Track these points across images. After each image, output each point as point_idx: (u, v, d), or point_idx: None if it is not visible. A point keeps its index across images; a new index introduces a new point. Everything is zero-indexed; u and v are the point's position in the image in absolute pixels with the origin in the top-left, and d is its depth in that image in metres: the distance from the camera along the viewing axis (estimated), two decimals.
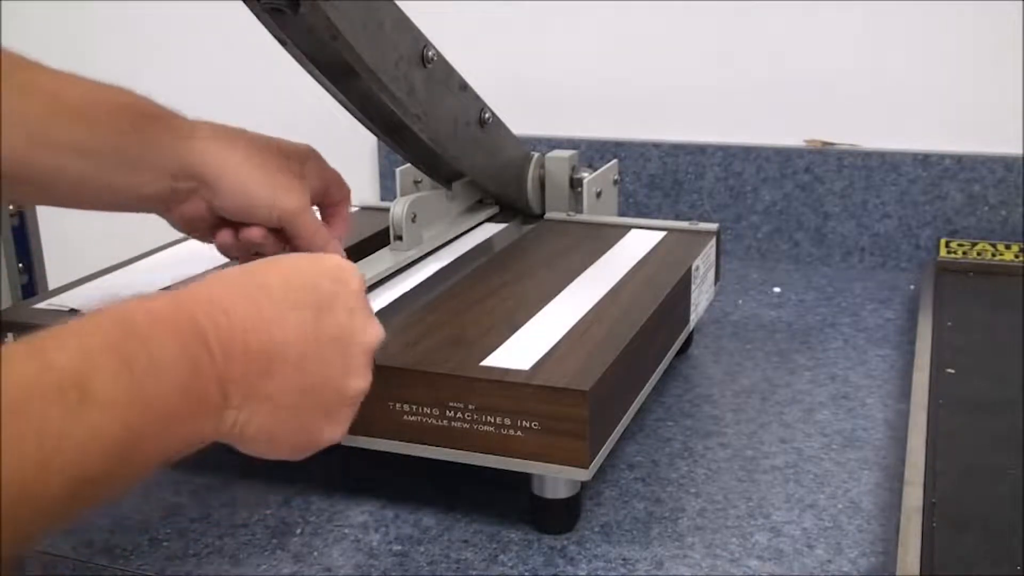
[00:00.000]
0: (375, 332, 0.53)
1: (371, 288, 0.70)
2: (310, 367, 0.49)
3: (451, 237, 0.80)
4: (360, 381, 0.52)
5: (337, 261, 0.54)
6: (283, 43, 0.64)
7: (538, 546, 0.59)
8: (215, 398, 0.45)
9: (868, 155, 1.03)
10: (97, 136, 0.62)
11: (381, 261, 0.73)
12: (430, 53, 0.70)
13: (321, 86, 0.68)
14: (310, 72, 0.66)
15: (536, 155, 0.87)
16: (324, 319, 0.50)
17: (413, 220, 0.76)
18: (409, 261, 0.74)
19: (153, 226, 0.97)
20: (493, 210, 0.86)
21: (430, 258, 0.77)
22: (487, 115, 0.78)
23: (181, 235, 0.83)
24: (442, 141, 0.73)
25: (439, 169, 0.79)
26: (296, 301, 0.49)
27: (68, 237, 1.25)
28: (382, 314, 0.67)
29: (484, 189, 0.84)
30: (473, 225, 0.83)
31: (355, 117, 0.72)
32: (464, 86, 0.75)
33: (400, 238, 0.75)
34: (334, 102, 0.72)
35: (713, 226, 0.81)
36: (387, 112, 0.70)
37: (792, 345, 0.85)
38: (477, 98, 0.77)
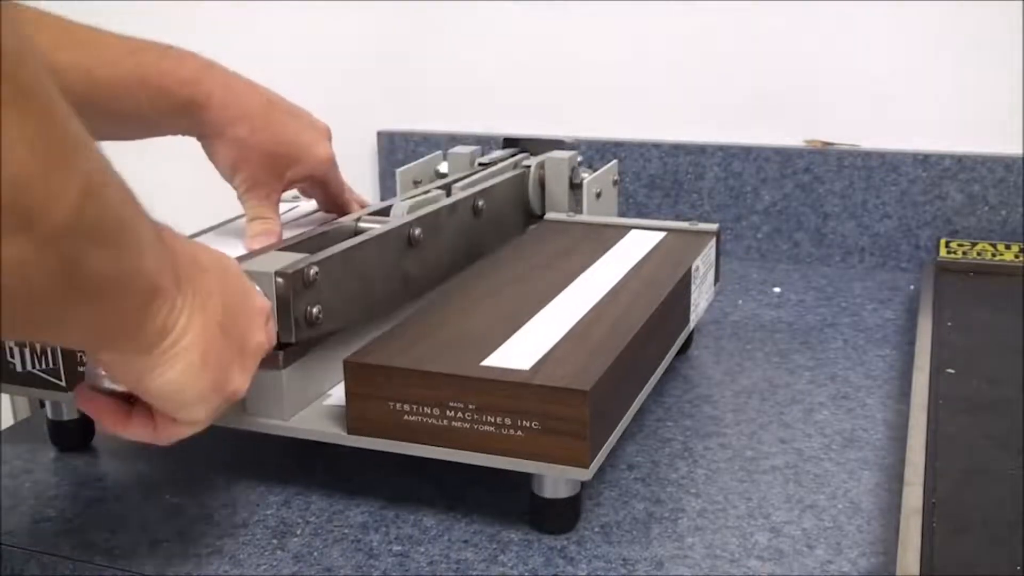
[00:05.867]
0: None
1: None
2: (228, 302, 0.51)
3: None
4: (261, 335, 0.55)
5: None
6: None
7: (538, 546, 0.59)
8: (168, 279, 0.46)
9: (868, 155, 1.04)
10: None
11: None
12: (416, 233, 0.70)
13: None
14: None
15: (535, 158, 0.87)
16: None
17: None
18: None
19: None
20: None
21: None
22: (480, 203, 0.78)
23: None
24: (447, 271, 0.76)
25: None
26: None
27: None
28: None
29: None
30: None
31: None
32: (451, 210, 0.75)
33: None
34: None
35: (713, 226, 0.81)
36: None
37: (792, 345, 0.85)
38: (465, 201, 0.77)
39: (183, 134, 0.74)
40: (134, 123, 0.71)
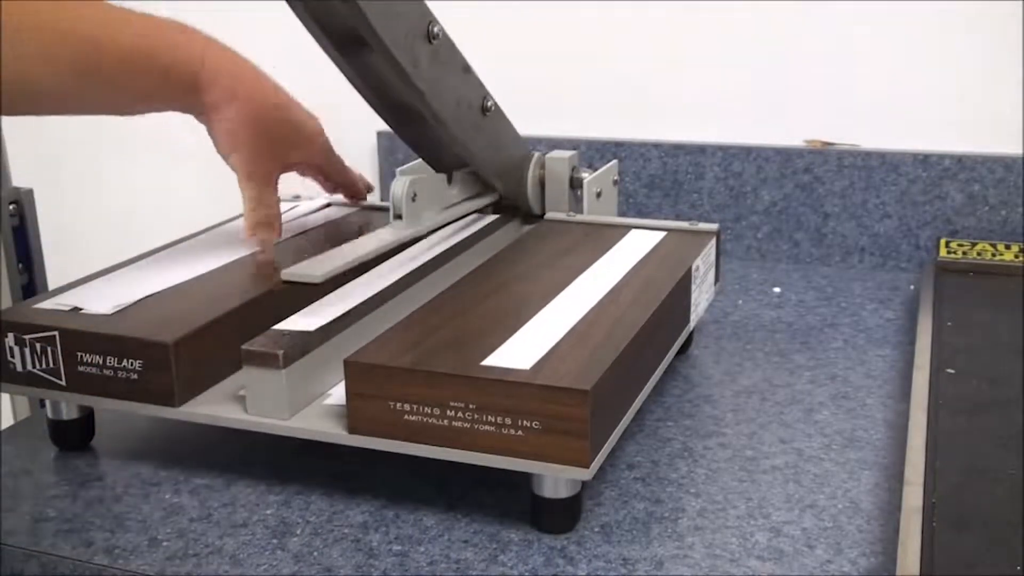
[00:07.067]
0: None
1: (371, 264, 0.70)
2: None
3: (451, 220, 0.80)
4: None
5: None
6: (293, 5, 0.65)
7: (538, 546, 0.59)
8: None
9: (868, 155, 1.04)
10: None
11: (381, 237, 0.74)
12: (435, 29, 0.70)
13: (328, 55, 0.68)
14: (318, 40, 0.67)
15: (536, 155, 0.87)
16: None
17: (413, 199, 0.76)
18: (410, 239, 0.75)
19: (153, 226, 0.97)
20: (493, 197, 0.86)
21: (429, 252, 0.77)
22: (489, 103, 0.78)
23: (182, 235, 0.83)
24: (443, 120, 0.74)
25: (440, 157, 0.79)
26: None
27: (68, 237, 1.25)
28: (380, 297, 0.69)
29: (484, 180, 0.84)
30: (472, 211, 0.83)
31: (359, 92, 0.72)
32: (467, 68, 0.75)
33: (400, 217, 0.75)
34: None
35: (713, 226, 0.81)
36: (391, 87, 0.70)
37: (792, 345, 0.85)
38: (480, 84, 0.77)
39: (183, 111, 0.74)
40: (138, 98, 0.71)
